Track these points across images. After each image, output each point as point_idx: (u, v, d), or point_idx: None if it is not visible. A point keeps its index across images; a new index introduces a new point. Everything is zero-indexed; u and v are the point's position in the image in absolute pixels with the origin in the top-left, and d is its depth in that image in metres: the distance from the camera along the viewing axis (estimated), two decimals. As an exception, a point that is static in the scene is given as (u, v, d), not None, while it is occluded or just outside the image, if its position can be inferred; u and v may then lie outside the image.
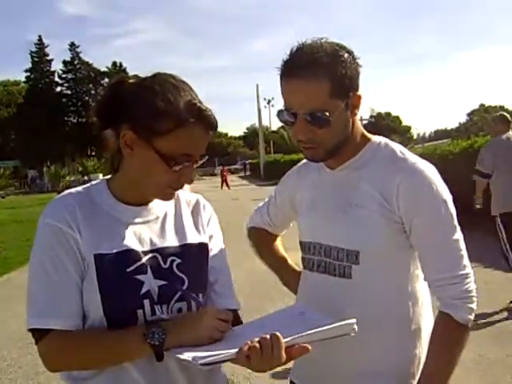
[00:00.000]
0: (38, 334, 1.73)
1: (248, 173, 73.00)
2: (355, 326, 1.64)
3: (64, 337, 1.72)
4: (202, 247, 1.96)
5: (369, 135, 2.16)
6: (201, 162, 1.82)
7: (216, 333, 1.69)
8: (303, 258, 2.26)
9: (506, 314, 7.02)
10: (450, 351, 1.98)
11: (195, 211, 2.03)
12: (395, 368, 2.07)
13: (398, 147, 2.12)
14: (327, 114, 1.92)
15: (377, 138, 2.16)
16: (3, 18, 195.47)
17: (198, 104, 1.75)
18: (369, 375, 2.06)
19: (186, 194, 2.04)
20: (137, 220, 1.87)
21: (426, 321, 2.13)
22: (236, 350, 1.54)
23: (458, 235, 2.01)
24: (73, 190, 1.90)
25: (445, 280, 1.97)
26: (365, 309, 1.90)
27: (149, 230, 1.87)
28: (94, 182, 1.94)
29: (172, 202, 1.96)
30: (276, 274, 2.64)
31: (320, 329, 1.60)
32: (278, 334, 1.54)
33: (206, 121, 1.75)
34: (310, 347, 1.57)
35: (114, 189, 1.89)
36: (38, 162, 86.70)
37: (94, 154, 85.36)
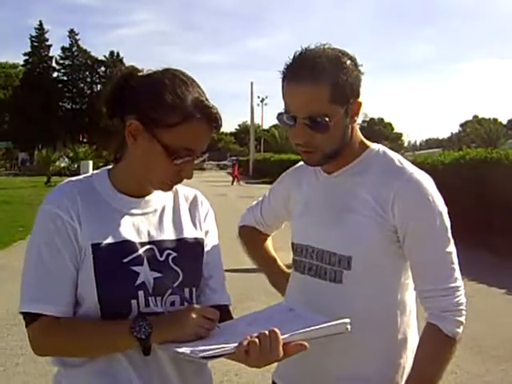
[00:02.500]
0: (29, 318, 1.75)
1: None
2: (349, 326, 1.67)
3: (53, 323, 1.74)
4: (198, 242, 1.98)
5: (368, 142, 2.17)
6: (201, 159, 1.84)
7: (201, 330, 1.70)
8: (294, 260, 2.26)
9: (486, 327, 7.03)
10: (436, 364, 1.98)
11: (193, 206, 2.05)
12: (379, 375, 2.07)
13: (396, 156, 2.13)
14: (326, 119, 1.93)
15: (375, 146, 2.17)
16: (6, 1, 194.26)
17: (206, 101, 1.79)
18: (353, 379, 2.07)
19: (184, 189, 2.06)
20: (135, 211, 1.89)
21: (412, 331, 2.14)
22: (235, 344, 1.56)
23: (452, 248, 2.02)
24: (74, 178, 1.92)
25: (435, 291, 1.98)
26: (353, 314, 1.88)
27: (147, 222, 1.89)
28: (94, 172, 1.96)
29: (170, 196, 2.00)
30: (264, 273, 2.64)
31: (317, 327, 1.63)
32: (276, 330, 1.56)
33: (212, 118, 1.79)
34: (307, 345, 1.59)
35: (114, 179, 1.91)
36: (29, 145, 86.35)
37: (85, 140, 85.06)
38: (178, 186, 1.99)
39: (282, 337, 1.56)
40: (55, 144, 71.62)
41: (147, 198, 1.93)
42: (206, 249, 2.01)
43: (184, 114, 1.74)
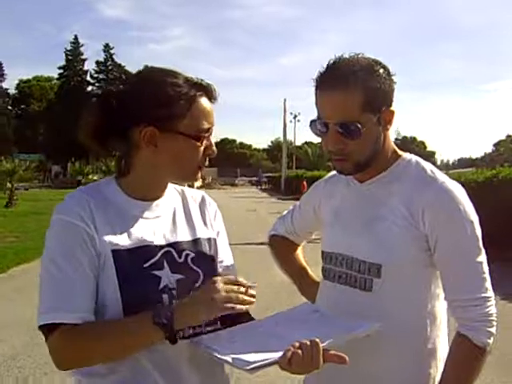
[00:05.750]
0: (48, 330, 1.70)
1: (267, 186, 72.68)
2: (378, 326, 1.74)
3: (73, 330, 1.68)
4: (212, 242, 2.01)
5: (400, 152, 2.17)
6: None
7: (228, 300, 1.65)
8: (324, 268, 2.26)
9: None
10: (466, 374, 1.97)
11: (202, 207, 2.08)
12: None
13: (428, 166, 2.13)
14: (359, 125, 1.94)
15: (408, 156, 2.17)
16: (42, 15, 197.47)
17: (194, 78, 1.85)
18: None
19: (190, 191, 2.09)
20: (149, 215, 1.89)
21: (442, 341, 2.12)
22: (280, 354, 1.57)
23: (483, 257, 2.00)
24: (83, 187, 1.92)
25: (466, 301, 1.97)
26: (383, 323, 1.89)
27: (161, 225, 1.90)
28: (102, 181, 1.97)
29: (179, 199, 2.03)
30: (294, 282, 2.64)
31: (353, 333, 1.71)
32: (317, 340, 1.57)
33: (209, 90, 1.86)
34: (347, 358, 1.61)
35: (123, 186, 1.90)
36: (63, 158, 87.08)
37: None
38: (185, 189, 2.04)
39: (322, 345, 1.58)
40: (88, 157, 72.26)
41: (157, 201, 1.93)
42: (219, 248, 2.03)
43: (188, 98, 1.78)
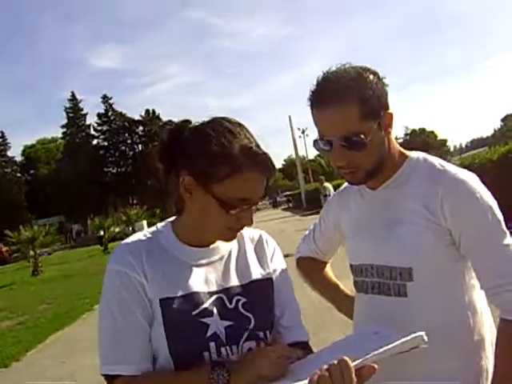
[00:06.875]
0: (109, 379, 1.76)
1: (289, 204, 72.61)
2: (425, 338, 1.57)
3: (131, 382, 1.73)
4: (267, 283, 1.95)
5: (406, 152, 2.17)
6: (259, 203, 1.82)
7: (277, 370, 1.63)
8: (356, 282, 2.25)
9: None
10: None
11: (258, 247, 2.02)
12: (462, 379, 2.02)
13: (436, 160, 2.12)
14: (362, 136, 1.94)
15: (414, 154, 2.17)
16: (37, 78, 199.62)
17: (254, 148, 1.74)
18: None
19: (249, 231, 2.02)
20: (202, 261, 1.87)
21: (488, 330, 2.11)
22: (306, 380, 1.48)
23: (509, 239, 1.98)
24: (139, 234, 1.92)
25: (501, 287, 1.94)
26: (425, 325, 1.83)
27: (214, 271, 1.88)
28: (159, 225, 1.95)
29: (235, 240, 1.95)
30: (329, 301, 2.63)
31: (388, 346, 1.53)
32: (346, 358, 1.47)
33: (262, 165, 1.75)
34: (376, 366, 1.50)
35: (178, 231, 1.90)
36: (81, 216, 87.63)
37: (135, 202, 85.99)
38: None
39: (353, 363, 1.47)
40: (107, 210, 72.78)
41: (212, 246, 1.91)
42: (276, 287, 1.97)
43: (233, 165, 1.70)
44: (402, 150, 2.17)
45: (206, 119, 1.82)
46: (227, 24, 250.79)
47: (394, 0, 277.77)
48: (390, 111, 2.02)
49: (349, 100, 1.91)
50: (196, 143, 1.76)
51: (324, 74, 2.00)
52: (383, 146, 2.05)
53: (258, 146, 1.76)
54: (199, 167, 1.73)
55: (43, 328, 13.53)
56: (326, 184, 24.46)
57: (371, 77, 1.97)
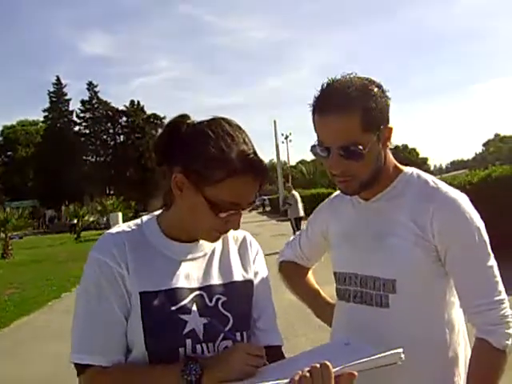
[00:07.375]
0: (79, 368, 1.76)
1: (268, 208, 72.35)
2: (402, 355, 1.59)
3: (101, 372, 1.73)
4: (248, 285, 1.97)
5: (401, 166, 2.19)
6: (248, 209, 1.82)
7: (248, 368, 1.65)
8: (338, 289, 2.27)
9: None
10: (489, 377, 1.97)
11: (242, 248, 2.04)
12: None
13: (429, 177, 2.15)
14: (360, 147, 1.95)
15: (409, 169, 2.19)
16: (23, 60, 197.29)
17: (251, 155, 1.74)
18: None
19: (233, 231, 1.99)
20: (185, 257, 1.88)
21: (463, 348, 2.13)
22: (287, 380, 1.51)
23: (492, 261, 2.02)
24: (124, 225, 1.92)
25: (481, 306, 1.98)
26: (402, 337, 1.91)
27: (196, 267, 1.88)
28: (144, 218, 1.95)
29: (219, 240, 1.95)
30: (309, 306, 2.64)
31: (368, 358, 1.56)
32: (327, 362, 1.51)
33: (257, 172, 1.75)
34: (356, 373, 1.53)
35: (163, 225, 1.90)
36: (56, 202, 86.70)
37: (112, 192, 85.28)
38: None
39: (334, 370, 1.51)
40: (82, 198, 72.20)
41: (196, 243, 1.91)
42: (256, 290, 1.98)
43: (228, 169, 1.69)
44: (397, 164, 2.19)
45: (206, 118, 1.82)
46: (223, 22, 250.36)
47: (391, 15, 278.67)
48: (390, 125, 2.04)
49: (352, 110, 1.92)
50: (194, 142, 1.75)
51: (329, 81, 2.01)
52: (379, 159, 2.06)
53: (255, 152, 1.77)
54: (194, 167, 1.73)
55: (9, 312, 13.39)
56: (294, 192, 24.43)
57: (376, 89, 1.99)
